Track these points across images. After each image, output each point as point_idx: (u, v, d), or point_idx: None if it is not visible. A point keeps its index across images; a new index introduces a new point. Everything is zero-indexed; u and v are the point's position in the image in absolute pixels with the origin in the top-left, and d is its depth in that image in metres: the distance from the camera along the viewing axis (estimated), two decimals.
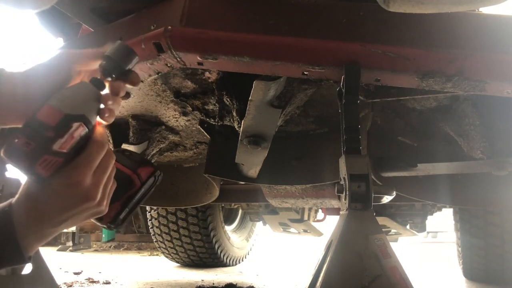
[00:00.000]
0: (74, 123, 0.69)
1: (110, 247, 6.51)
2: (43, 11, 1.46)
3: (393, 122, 1.73)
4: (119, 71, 0.77)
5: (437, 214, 3.25)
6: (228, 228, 3.88)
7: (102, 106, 0.75)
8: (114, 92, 0.76)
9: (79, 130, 0.69)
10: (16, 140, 0.66)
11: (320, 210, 3.57)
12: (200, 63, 1.20)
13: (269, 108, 1.42)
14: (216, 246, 3.53)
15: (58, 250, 5.88)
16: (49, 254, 5.13)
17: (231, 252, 3.81)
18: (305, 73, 1.19)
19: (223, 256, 3.67)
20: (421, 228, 3.20)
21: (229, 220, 4.05)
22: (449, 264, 4.09)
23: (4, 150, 0.67)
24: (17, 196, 0.71)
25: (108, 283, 2.81)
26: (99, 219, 0.83)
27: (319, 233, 3.53)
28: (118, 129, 1.89)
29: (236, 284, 2.72)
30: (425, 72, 1.12)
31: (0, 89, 0.71)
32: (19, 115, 0.71)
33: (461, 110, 1.51)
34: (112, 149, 1.93)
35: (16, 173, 1.67)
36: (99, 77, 0.76)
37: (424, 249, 7.66)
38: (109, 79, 0.77)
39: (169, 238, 3.41)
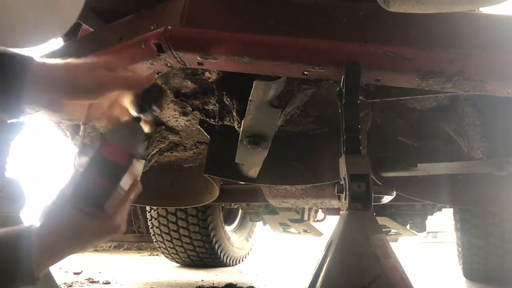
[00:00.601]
0: (136, 162, 0.74)
1: (110, 247, 6.50)
2: None
3: (393, 122, 1.73)
4: (151, 108, 0.81)
5: (437, 214, 3.24)
6: (228, 228, 3.88)
7: None
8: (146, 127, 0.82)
9: (138, 168, 0.77)
10: (91, 181, 0.71)
11: (320, 210, 3.57)
12: (200, 63, 1.20)
13: (269, 108, 1.42)
14: (216, 246, 3.53)
15: None
16: None
17: (231, 252, 3.80)
18: (305, 73, 1.19)
19: (223, 256, 3.67)
20: (421, 228, 3.20)
21: (229, 220, 4.04)
22: (449, 264, 4.08)
23: (78, 196, 0.71)
24: (40, 224, 0.73)
25: (108, 283, 2.81)
26: None
27: (319, 233, 3.53)
28: None
29: (236, 284, 2.72)
30: (425, 72, 1.12)
31: (27, 75, 0.72)
32: (39, 103, 0.74)
33: (461, 110, 1.51)
34: None
35: (16, 174, 1.67)
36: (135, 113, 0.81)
37: (424, 249, 7.66)
38: (143, 116, 0.81)
39: (169, 238, 3.41)
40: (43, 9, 0.62)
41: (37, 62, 0.74)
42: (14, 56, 0.74)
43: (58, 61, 0.75)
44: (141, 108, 0.79)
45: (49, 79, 0.73)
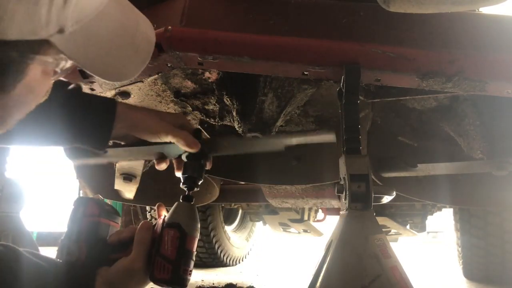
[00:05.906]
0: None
1: None
2: None
3: (393, 122, 1.73)
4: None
5: (437, 214, 3.25)
6: (228, 228, 3.88)
7: None
8: None
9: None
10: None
11: (320, 210, 3.57)
12: (200, 63, 1.20)
13: None
14: (216, 246, 3.53)
15: None
16: (50, 254, 5.11)
17: (231, 252, 3.80)
18: (305, 73, 1.19)
19: (223, 256, 3.67)
20: (421, 228, 3.20)
21: (229, 220, 4.04)
22: (449, 264, 4.09)
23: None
24: (111, 270, 1.01)
25: None
26: None
27: (319, 233, 3.53)
28: None
29: (236, 284, 2.72)
30: (425, 72, 1.12)
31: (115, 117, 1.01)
32: (118, 139, 1.10)
33: (461, 110, 1.51)
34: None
35: (16, 174, 1.67)
36: None
37: (424, 249, 7.67)
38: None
39: None
40: (131, 51, 0.75)
41: (120, 105, 1.01)
42: (102, 99, 1.03)
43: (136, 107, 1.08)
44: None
45: (130, 122, 1.02)
